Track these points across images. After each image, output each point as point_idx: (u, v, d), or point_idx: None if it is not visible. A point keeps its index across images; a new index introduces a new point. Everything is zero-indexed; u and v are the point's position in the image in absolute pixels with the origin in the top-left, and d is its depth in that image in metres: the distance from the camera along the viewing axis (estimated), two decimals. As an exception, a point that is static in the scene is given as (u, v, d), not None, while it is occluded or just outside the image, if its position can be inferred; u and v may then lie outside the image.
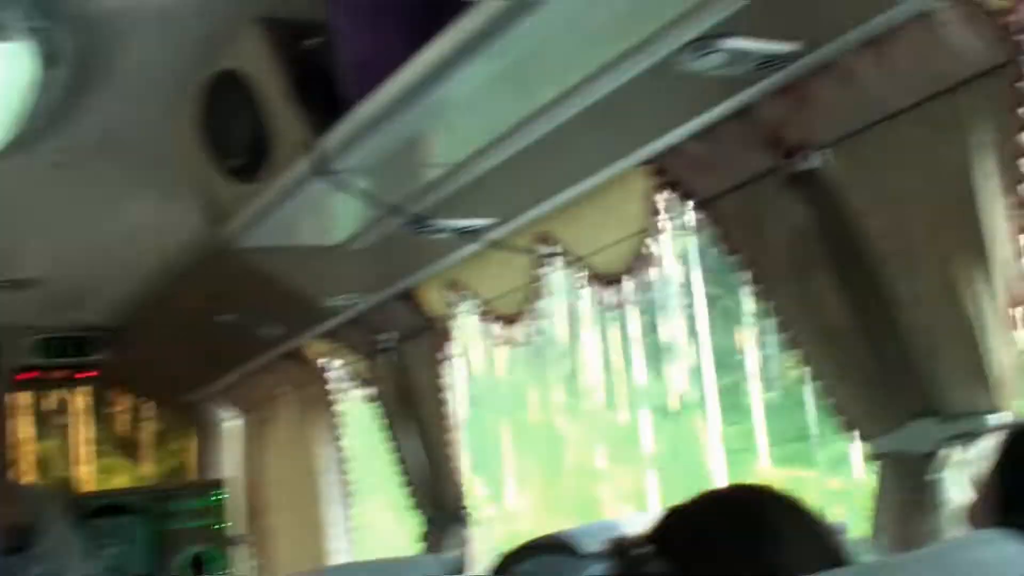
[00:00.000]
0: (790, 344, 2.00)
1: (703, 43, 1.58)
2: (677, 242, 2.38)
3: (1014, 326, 1.77)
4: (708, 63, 1.63)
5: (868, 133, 1.76)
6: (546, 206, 2.36)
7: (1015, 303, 1.75)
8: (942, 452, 1.79)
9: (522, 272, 2.62)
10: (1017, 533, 1.08)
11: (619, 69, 1.69)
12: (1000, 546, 1.07)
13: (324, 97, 1.89)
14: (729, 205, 2.01)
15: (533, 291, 2.63)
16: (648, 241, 2.31)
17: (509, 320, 2.73)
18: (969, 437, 1.76)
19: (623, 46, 1.65)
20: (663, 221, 2.24)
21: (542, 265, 2.56)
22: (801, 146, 1.83)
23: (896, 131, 1.73)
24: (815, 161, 1.81)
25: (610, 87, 1.75)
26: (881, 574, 1.12)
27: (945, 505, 1.77)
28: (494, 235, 2.46)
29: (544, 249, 2.51)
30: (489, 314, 2.77)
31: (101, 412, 4.78)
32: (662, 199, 2.21)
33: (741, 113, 1.89)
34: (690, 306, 2.86)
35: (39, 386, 4.28)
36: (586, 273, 2.44)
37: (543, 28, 1.51)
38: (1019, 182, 1.70)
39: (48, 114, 2.13)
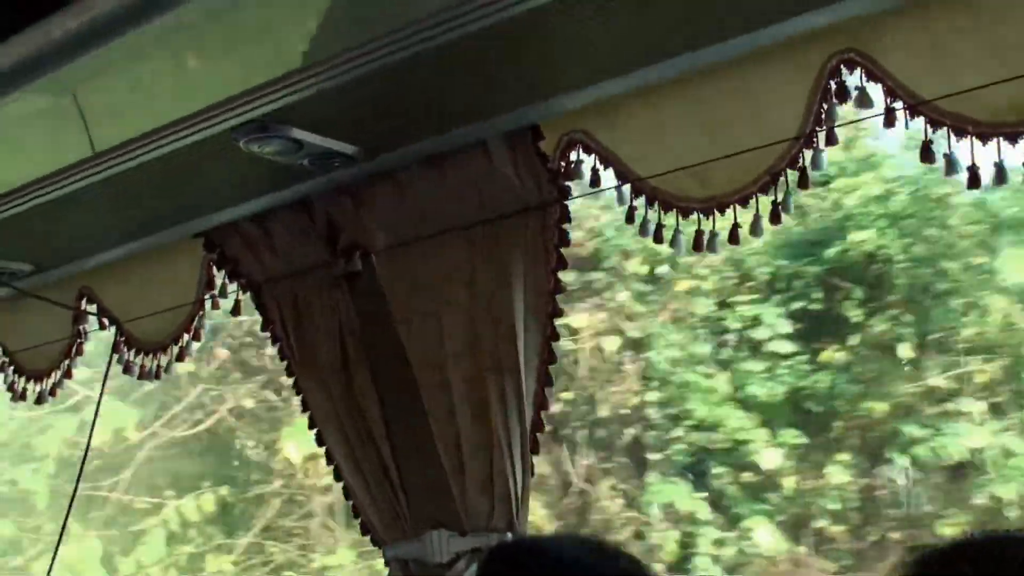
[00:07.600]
0: (317, 441, 1.95)
1: (258, 125, 1.52)
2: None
3: (536, 449, 1.84)
4: (264, 147, 1.57)
5: (416, 244, 1.78)
6: (90, 261, 2.18)
7: (539, 427, 1.83)
8: (459, 565, 1.81)
9: (58, 327, 2.37)
10: None
11: (178, 132, 1.60)
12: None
13: None
14: (278, 291, 1.95)
15: (66, 348, 2.38)
16: (200, 313, 2.19)
17: (36, 375, 2.45)
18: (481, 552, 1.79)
19: (185, 110, 1.57)
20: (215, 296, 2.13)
21: (80, 322, 2.33)
22: (354, 246, 1.82)
23: (442, 247, 1.76)
24: (358, 264, 1.80)
25: (167, 149, 1.65)
26: None
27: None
28: (26, 283, 2.23)
29: (85, 307, 2.30)
30: (9, 366, 2.47)
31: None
32: (219, 274, 2.10)
33: (300, 204, 1.85)
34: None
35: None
36: (123, 338, 2.24)
37: (105, 65, 1.41)
38: (552, 315, 1.79)
39: None
